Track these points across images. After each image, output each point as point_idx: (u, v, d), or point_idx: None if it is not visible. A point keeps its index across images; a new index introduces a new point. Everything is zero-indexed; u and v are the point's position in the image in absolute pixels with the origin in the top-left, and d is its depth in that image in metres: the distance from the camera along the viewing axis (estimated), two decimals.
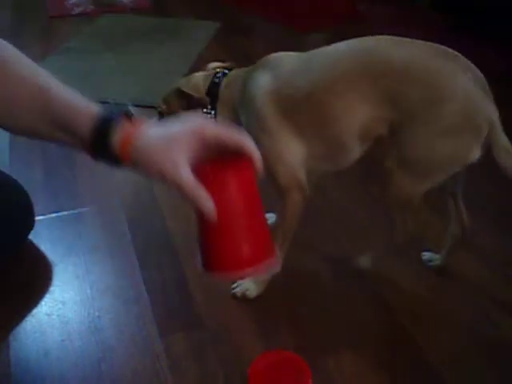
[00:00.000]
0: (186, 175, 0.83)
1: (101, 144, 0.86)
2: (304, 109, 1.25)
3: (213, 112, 1.37)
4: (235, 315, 1.34)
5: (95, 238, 1.58)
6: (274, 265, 0.88)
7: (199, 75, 1.42)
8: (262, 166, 0.85)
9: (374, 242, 1.46)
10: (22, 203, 1.50)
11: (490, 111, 1.15)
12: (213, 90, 1.37)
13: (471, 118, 1.14)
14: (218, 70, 1.42)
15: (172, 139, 0.85)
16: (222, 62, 1.48)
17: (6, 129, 0.94)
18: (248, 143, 0.85)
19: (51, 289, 1.41)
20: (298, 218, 1.31)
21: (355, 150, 1.28)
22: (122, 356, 1.24)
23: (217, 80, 1.37)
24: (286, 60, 1.31)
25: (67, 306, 1.36)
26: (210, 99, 1.37)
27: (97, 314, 1.34)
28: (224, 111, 1.37)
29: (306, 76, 1.25)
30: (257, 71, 1.31)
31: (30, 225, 1.52)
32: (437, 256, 1.46)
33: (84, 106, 0.89)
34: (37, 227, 1.54)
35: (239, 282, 1.39)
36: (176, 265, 1.48)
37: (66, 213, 1.67)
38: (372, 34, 1.22)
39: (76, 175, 1.83)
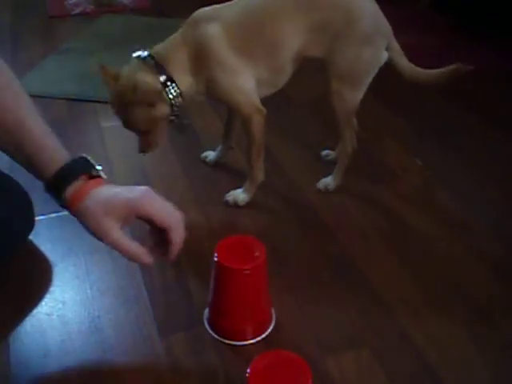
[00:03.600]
0: (116, 236, 1.02)
1: (56, 193, 1.06)
2: (253, 43, 1.49)
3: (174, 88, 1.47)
4: None
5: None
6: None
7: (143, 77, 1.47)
8: (176, 252, 1.07)
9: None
10: (22, 203, 1.49)
11: (387, 24, 1.55)
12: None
13: (378, 28, 1.54)
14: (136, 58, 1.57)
15: (110, 206, 1.02)
16: None
17: None
18: (174, 232, 1.04)
19: (51, 289, 1.41)
20: (263, 135, 1.58)
21: (289, 72, 1.57)
22: (122, 356, 1.24)
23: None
24: (223, 9, 1.52)
25: (67, 306, 1.36)
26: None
27: (97, 313, 1.34)
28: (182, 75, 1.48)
29: (250, 15, 1.51)
30: (201, 26, 1.48)
31: (30, 225, 1.52)
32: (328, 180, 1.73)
33: (49, 157, 1.05)
34: (37, 227, 1.54)
35: (231, 191, 1.68)
36: (176, 265, 1.47)
37: (66, 213, 1.64)
38: None
39: None
